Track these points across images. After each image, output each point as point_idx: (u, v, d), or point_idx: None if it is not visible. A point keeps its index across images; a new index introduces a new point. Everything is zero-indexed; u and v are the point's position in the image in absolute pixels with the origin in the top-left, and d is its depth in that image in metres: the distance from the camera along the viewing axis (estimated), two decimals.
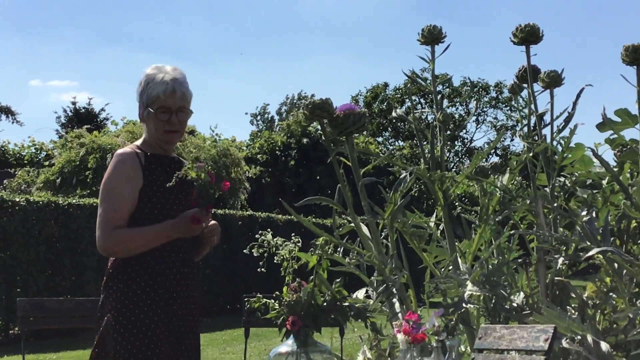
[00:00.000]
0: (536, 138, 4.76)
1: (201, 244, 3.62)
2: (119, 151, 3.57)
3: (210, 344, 11.54)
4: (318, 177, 27.28)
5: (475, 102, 54.72)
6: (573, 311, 4.41)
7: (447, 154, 52.54)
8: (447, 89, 54.16)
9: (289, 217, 19.04)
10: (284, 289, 4.01)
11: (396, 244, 4.59)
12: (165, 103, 3.48)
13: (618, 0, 76.31)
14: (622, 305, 4.26)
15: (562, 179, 4.80)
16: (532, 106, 4.79)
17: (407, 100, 53.05)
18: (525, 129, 4.88)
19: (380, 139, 53.14)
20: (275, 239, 4.16)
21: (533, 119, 4.82)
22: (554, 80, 4.72)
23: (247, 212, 18.31)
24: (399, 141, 51.98)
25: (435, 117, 4.84)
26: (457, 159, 55.04)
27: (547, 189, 4.63)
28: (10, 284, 12.11)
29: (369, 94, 54.95)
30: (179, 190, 3.45)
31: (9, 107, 31.24)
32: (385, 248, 4.57)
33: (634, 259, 4.12)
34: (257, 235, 4.20)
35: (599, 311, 4.45)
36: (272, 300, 4.05)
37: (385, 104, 53.47)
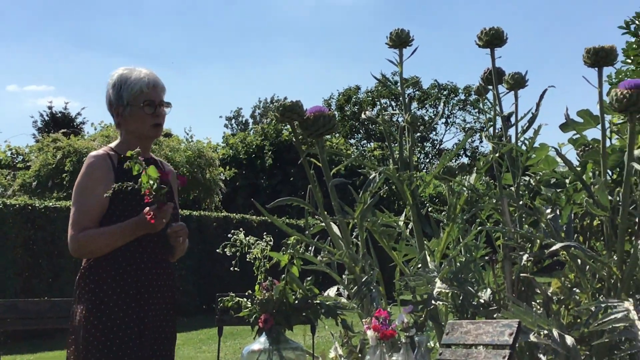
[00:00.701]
0: (502, 139, 4.80)
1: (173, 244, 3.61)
2: (91, 153, 3.58)
3: (186, 343, 11.52)
4: (292, 179, 27.33)
5: (443, 104, 55.04)
6: (538, 306, 4.45)
7: (417, 155, 52.93)
8: (417, 92, 54.46)
9: (263, 218, 19.04)
10: (256, 287, 4.02)
11: (366, 242, 4.61)
12: (150, 96, 3.54)
13: (581, 4, 77.01)
14: (585, 300, 4.31)
15: (527, 178, 4.84)
16: (498, 108, 4.82)
17: (378, 102, 53.27)
18: (492, 130, 4.91)
19: (352, 141, 53.30)
20: (247, 238, 4.16)
21: (499, 121, 4.86)
22: (518, 82, 4.75)
23: (222, 214, 18.32)
24: (371, 143, 52.17)
25: (404, 119, 4.86)
26: (427, 160, 55.32)
27: (513, 188, 4.67)
28: None
29: (341, 96, 55.18)
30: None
31: None
32: (356, 247, 4.58)
33: (596, 255, 4.17)
34: (229, 235, 4.20)
35: (564, 306, 4.50)
36: (245, 299, 4.06)
37: (357, 106, 53.72)
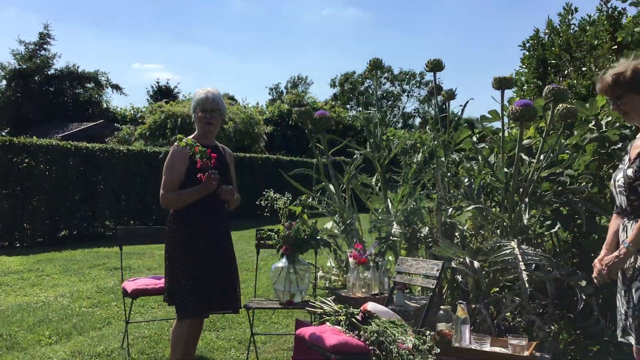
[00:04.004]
0: (439, 130, 4.70)
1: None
2: (175, 144, 3.53)
3: (241, 238, 11.38)
4: (306, 131, 27.26)
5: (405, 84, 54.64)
6: (458, 237, 4.42)
7: (388, 116, 52.59)
8: (390, 74, 53.95)
9: (291, 158, 18.98)
10: (280, 227, 4.00)
11: (351, 197, 4.58)
12: (203, 106, 3.47)
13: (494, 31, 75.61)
14: (487, 234, 4.28)
15: (454, 156, 4.76)
16: (437, 110, 4.72)
17: (365, 81, 52.85)
18: (433, 124, 4.81)
19: (348, 106, 52.89)
20: (274, 194, 4.11)
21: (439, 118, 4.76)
22: (450, 96, 4.66)
23: (264, 155, 18.20)
24: (359, 108, 51.85)
25: (378, 117, 4.77)
26: (395, 119, 54.94)
27: (444, 159, 4.60)
28: (117, 200, 12.14)
29: (342, 77, 54.59)
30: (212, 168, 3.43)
31: (118, 84, 30.79)
32: (344, 199, 4.55)
33: (492, 212, 4.12)
34: (264, 193, 4.13)
35: (474, 238, 4.48)
36: (274, 234, 4.06)
37: (352, 85, 53.42)
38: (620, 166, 2.75)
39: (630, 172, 2.57)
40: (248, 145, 20.25)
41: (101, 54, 77.81)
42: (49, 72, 27.31)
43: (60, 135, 22.86)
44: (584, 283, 3.80)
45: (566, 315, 4.43)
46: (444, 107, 4.84)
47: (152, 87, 36.34)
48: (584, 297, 3.63)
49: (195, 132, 3.62)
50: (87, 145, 11.56)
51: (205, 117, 3.51)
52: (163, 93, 34.51)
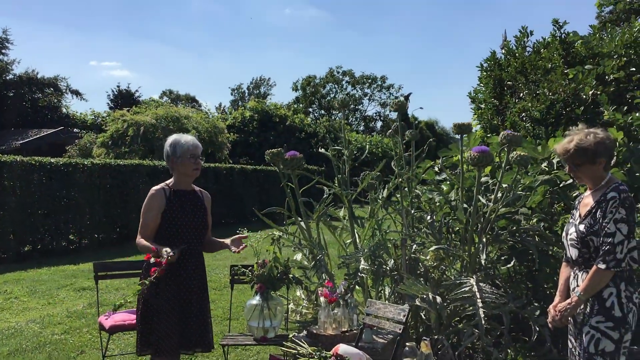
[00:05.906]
0: (403, 167, 4.92)
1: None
2: (153, 188, 3.67)
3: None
4: (270, 137, 27.32)
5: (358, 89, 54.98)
6: (421, 268, 4.65)
7: (349, 120, 53.02)
8: (352, 79, 54.34)
9: (254, 167, 19.08)
10: (255, 265, 4.18)
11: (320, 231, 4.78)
12: (193, 152, 3.63)
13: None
14: (447, 269, 4.54)
15: (417, 190, 4.99)
16: (401, 148, 4.94)
17: (327, 85, 53.15)
18: (398, 162, 5.02)
19: (310, 109, 53.10)
20: (251, 233, 4.26)
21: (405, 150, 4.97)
22: (414, 136, 4.88)
23: (228, 165, 18.23)
24: (322, 112, 52.17)
25: (344, 154, 4.97)
26: (356, 122, 55.43)
27: (409, 197, 4.83)
28: (81, 214, 12.03)
29: (304, 81, 54.78)
30: (188, 212, 3.61)
31: (77, 90, 30.28)
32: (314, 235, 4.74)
33: (452, 248, 4.37)
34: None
35: (436, 269, 4.72)
36: (248, 271, 4.23)
37: (313, 88, 53.53)
38: (570, 221, 3.06)
39: (582, 227, 2.88)
40: (212, 153, 20.29)
41: (56, 52, 76.91)
42: (7, 78, 26.77)
43: (20, 143, 22.44)
44: (537, 313, 4.10)
45: (522, 339, 4.74)
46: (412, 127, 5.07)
47: (113, 90, 35.93)
48: (537, 328, 3.92)
49: (172, 178, 3.74)
50: (52, 160, 11.48)
51: (196, 162, 3.68)
52: (124, 97, 34.16)
